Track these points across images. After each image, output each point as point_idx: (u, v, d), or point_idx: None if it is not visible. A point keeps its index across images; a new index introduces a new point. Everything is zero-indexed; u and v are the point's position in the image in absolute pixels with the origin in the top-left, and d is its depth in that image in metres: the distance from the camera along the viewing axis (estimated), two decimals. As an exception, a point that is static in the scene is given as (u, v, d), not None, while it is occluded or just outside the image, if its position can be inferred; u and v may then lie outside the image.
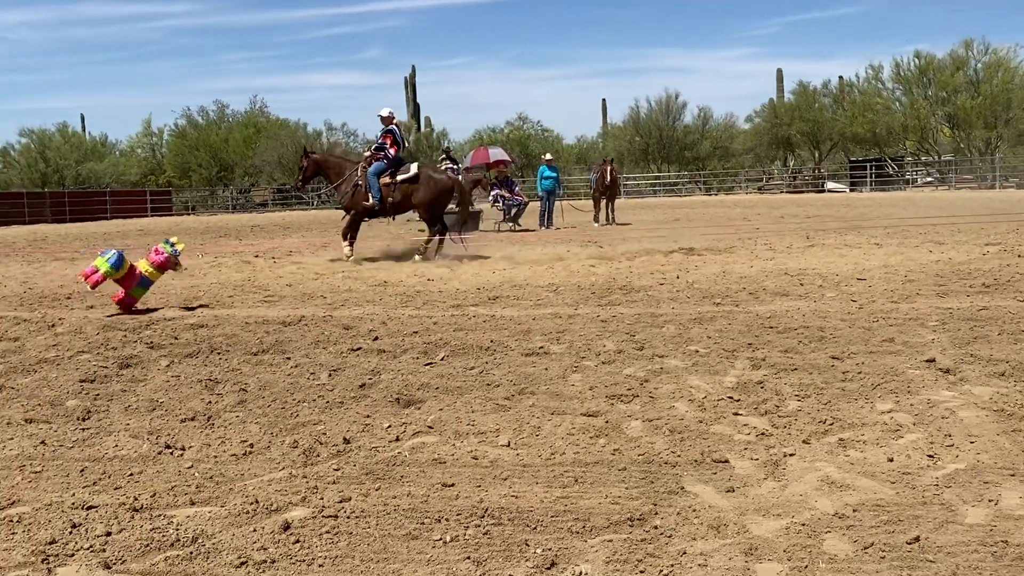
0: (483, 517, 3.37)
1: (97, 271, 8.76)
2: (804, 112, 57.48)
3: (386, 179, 14.64)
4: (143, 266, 9.11)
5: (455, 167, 27.84)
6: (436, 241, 14.89)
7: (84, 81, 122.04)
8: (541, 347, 6.65)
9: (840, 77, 59.37)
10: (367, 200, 14.62)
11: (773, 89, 63.51)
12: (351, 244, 14.71)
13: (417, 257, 14.45)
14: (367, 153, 15.23)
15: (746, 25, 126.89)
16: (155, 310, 9.09)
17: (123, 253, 8.97)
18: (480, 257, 14.23)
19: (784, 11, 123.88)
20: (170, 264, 9.33)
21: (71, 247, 21.65)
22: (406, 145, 15.38)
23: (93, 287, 8.95)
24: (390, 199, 14.69)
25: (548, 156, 26.20)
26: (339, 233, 15.29)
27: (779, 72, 63.42)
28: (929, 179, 50.56)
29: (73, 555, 3.15)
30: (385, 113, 15.00)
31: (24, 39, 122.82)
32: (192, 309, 9.11)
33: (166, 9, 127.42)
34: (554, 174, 24.75)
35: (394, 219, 15.47)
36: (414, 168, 14.89)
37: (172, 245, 9.35)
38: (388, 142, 14.83)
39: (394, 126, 14.99)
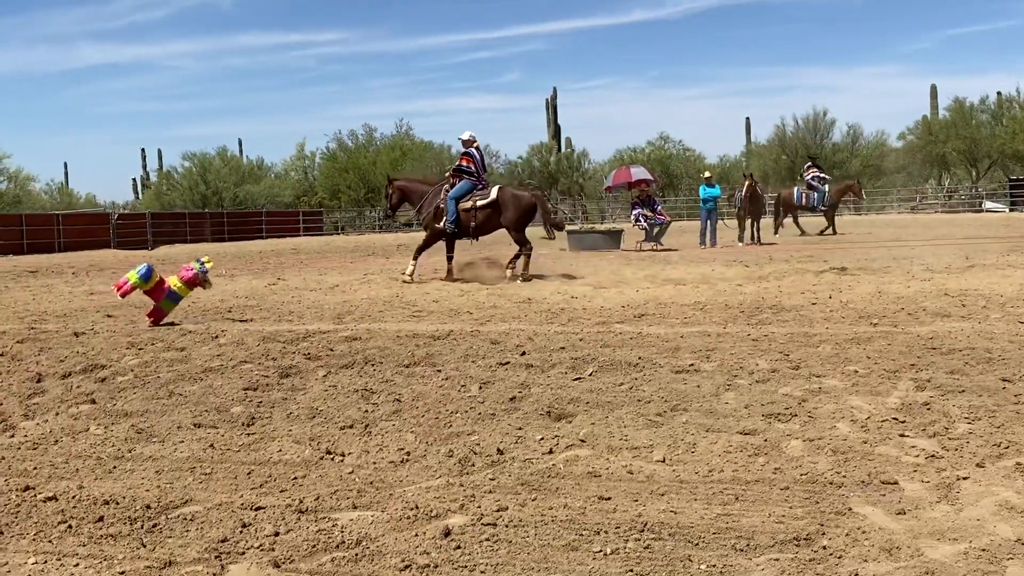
0: (642, 531, 3.32)
1: (127, 282, 9.39)
2: (960, 129, 55.09)
3: (467, 203, 14.72)
4: (173, 281, 9.66)
5: (821, 175, 28.08)
6: (524, 260, 14.76)
7: (242, 107, 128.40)
8: (691, 364, 6.55)
9: (999, 92, 56.68)
10: (440, 223, 14.83)
11: (926, 106, 61.21)
12: (415, 263, 15.05)
13: (508, 275, 14.46)
14: (447, 174, 15.34)
15: (897, 41, 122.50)
16: (176, 324, 9.56)
17: (152, 267, 9.58)
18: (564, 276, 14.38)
19: (938, 26, 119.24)
20: (198, 280, 9.86)
21: (229, 265, 22.64)
22: (485, 168, 15.54)
23: (123, 296, 9.61)
24: (472, 223, 14.77)
25: (706, 174, 25.88)
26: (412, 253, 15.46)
27: (933, 88, 61.10)
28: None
29: (244, 553, 3.26)
30: (466, 136, 15.13)
31: (187, 67, 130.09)
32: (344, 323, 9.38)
33: (318, 38, 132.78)
34: (716, 192, 24.45)
35: (476, 240, 15.44)
36: (494, 193, 14.83)
37: (202, 264, 9.89)
38: (465, 163, 14.99)
39: (474, 149, 15.08)
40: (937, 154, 56.67)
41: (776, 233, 27.68)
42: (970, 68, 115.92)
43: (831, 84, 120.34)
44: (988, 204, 50.17)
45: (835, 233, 27.70)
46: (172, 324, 9.60)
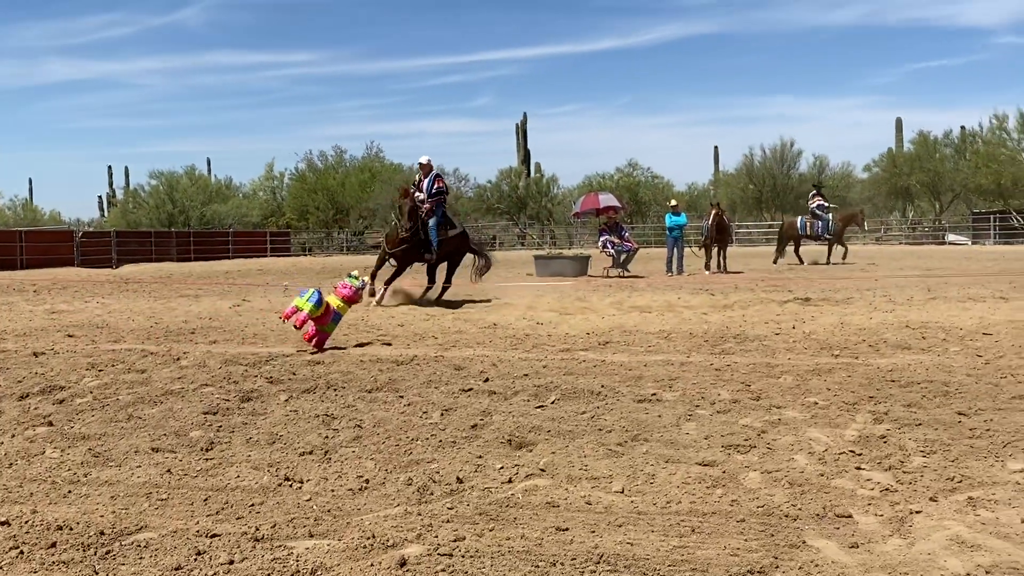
0: (598, 563, 3.33)
1: (299, 311, 8.85)
2: (924, 162, 56.04)
3: (443, 233, 14.84)
4: (333, 301, 9.23)
5: (826, 204, 28.13)
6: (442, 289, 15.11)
7: (210, 126, 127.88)
8: (653, 394, 6.58)
9: (962, 127, 57.73)
10: (427, 252, 14.68)
11: (892, 138, 62.27)
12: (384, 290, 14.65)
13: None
14: (425, 198, 14.64)
15: (864, 74, 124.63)
16: (342, 348, 9.25)
17: (321, 292, 9.05)
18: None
19: (904, 60, 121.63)
20: (357, 297, 9.54)
21: (195, 284, 22.48)
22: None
23: (299, 327, 9.02)
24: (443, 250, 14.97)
25: (673, 202, 25.99)
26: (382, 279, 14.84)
27: (898, 121, 62.17)
28: (1058, 232, 48.43)
29: (198, 581, 3.23)
30: (425, 160, 14.96)
31: (154, 85, 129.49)
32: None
33: (288, 58, 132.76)
34: (682, 220, 24.50)
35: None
36: (457, 224, 15.22)
37: (356, 278, 9.54)
38: (445, 187, 15.03)
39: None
40: (901, 186, 57.56)
41: (776, 262, 27.85)
42: (935, 102, 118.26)
43: (799, 115, 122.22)
44: (951, 237, 50.96)
45: (828, 263, 27.62)
46: (133, 347, 9.50)
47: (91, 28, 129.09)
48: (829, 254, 28.27)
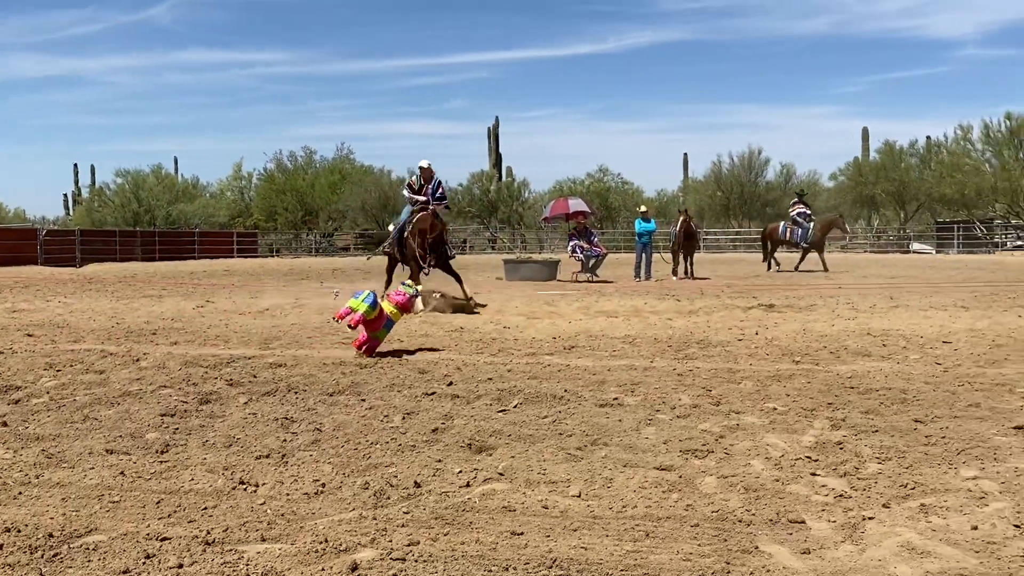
0: (551, 567, 3.33)
1: (353, 312, 8.67)
2: (890, 171, 56.69)
3: None
4: (387, 307, 9.04)
5: (808, 212, 28.18)
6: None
7: (179, 125, 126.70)
8: (615, 398, 6.59)
9: (928, 137, 58.46)
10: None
11: (858, 147, 62.84)
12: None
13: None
14: (431, 203, 14.74)
15: (832, 83, 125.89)
16: (401, 353, 9.11)
17: (376, 294, 8.89)
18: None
19: (871, 70, 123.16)
20: (410, 305, 9.34)
21: (159, 284, 22.26)
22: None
23: (353, 327, 8.83)
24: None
25: (643, 208, 26.05)
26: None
27: (865, 131, 62.77)
28: (1020, 243, 49.16)
29: (146, 585, 3.20)
30: (425, 164, 14.98)
31: (123, 83, 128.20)
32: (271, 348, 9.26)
33: (260, 57, 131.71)
34: (651, 226, 24.57)
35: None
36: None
37: (411, 286, 9.40)
38: (445, 194, 15.06)
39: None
40: (867, 195, 58.14)
41: (769, 268, 28.01)
42: (901, 112, 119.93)
43: (768, 122, 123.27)
44: (916, 245, 51.56)
45: (796, 269, 27.68)
46: (92, 347, 9.39)
47: (60, 24, 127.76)
48: (800, 261, 28.51)
